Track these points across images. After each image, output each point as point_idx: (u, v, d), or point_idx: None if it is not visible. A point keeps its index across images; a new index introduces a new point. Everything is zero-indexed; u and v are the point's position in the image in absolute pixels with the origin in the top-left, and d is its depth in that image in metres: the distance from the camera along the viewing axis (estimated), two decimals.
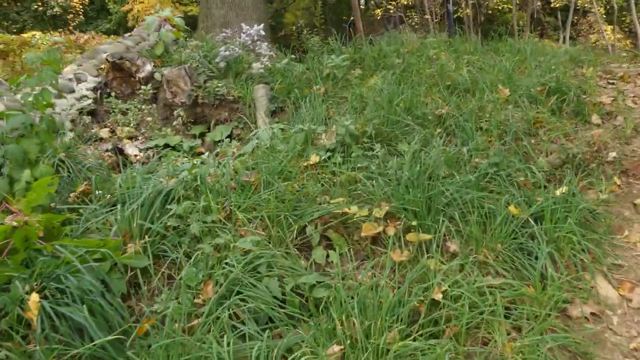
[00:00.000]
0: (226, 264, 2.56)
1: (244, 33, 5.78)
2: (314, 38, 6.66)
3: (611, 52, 22.58)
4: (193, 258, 2.67)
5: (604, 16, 25.79)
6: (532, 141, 3.98)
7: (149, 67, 5.42)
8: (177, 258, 2.76)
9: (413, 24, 21.61)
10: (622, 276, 2.79)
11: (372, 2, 22.77)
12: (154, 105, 5.36)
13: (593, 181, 3.43)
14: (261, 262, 2.55)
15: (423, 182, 3.14)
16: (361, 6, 27.71)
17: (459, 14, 21.68)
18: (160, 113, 5.29)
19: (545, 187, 3.29)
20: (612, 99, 4.77)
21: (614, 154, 3.62)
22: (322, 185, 3.44)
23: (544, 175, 3.49)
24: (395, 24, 23.10)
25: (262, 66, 5.26)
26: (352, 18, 19.09)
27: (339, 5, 26.09)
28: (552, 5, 24.19)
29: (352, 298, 2.30)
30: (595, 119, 4.21)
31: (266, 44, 5.84)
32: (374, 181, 3.27)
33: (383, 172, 3.39)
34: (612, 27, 24.69)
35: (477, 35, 22.42)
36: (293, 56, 7.00)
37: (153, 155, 4.62)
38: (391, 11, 20.43)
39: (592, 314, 2.52)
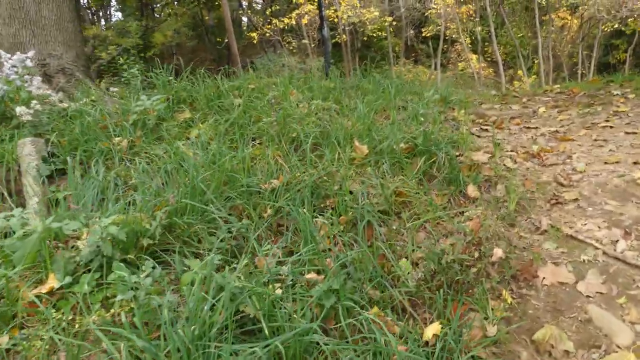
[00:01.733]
0: None
1: (7, 62, 4.02)
2: (133, 69, 5.05)
3: (477, 79, 23.48)
4: None
5: (470, 46, 27.00)
6: (394, 228, 2.78)
7: None
8: None
9: (291, 48, 20.69)
10: None
11: (251, 24, 21.52)
12: None
13: (477, 301, 2.28)
14: None
15: (207, 346, 1.74)
16: (243, 27, 26.33)
17: (336, 39, 21.17)
18: None
19: (412, 316, 2.07)
20: (488, 155, 3.78)
21: (500, 252, 2.51)
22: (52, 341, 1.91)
23: (408, 296, 2.27)
24: (275, 47, 22.06)
25: (31, 111, 3.57)
26: (226, 40, 17.63)
27: (217, 27, 24.56)
28: (424, 35, 24.72)
29: None
30: (471, 190, 3.13)
31: (39, 79, 4.13)
32: (122, 346, 1.80)
33: (147, 318, 1.95)
34: (476, 56, 25.85)
35: (355, 60, 22.09)
36: (114, 90, 5.38)
37: None
38: (267, 35, 19.32)
39: None
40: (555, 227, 2.84)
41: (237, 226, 2.56)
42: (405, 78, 23.11)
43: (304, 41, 19.61)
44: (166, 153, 3.56)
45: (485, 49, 27.68)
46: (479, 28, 25.38)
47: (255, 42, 19.55)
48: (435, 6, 21.01)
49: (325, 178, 3.18)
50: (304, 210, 2.62)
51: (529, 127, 4.71)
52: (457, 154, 3.69)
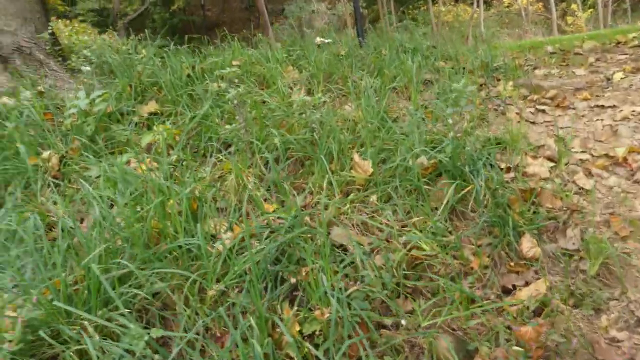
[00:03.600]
0: None
1: None
2: (86, 49, 3.92)
3: (524, 17, 20.99)
4: None
5: None
6: (402, 326, 1.70)
7: None
8: None
9: None
10: None
11: None
12: None
13: None
14: None
15: None
16: None
17: None
18: None
19: None
20: (550, 165, 2.56)
21: None
22: None
23: None
24: None
25: None
26: None
27: None
28: None
29: None
30: (527, 246, 1.96)
31: None
32: None
33: None
34: None
35: (390, 1, 20.12)
36: (86, 70, 4.38)
37: None
38: None
39: None
40: None
41: (136, 348, 1.53)
42: (445, 20, 20.88)
43: None
44: (99, 178, 2.55)
45: None
46: None
47: None
48: None
49: (305, 222, 2.10)
50: (254, 307, 1.56)
51: (603, 106, 3.37)
52: (504, 166, 2.49)
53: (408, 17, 22.32)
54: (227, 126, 2.54)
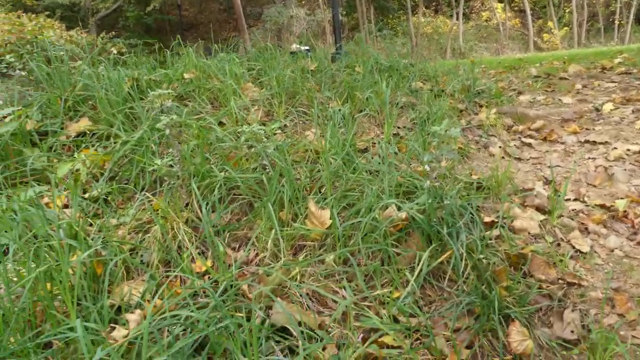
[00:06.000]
0: None
1: None
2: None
3: (502, 32, 20.96)
4: None
5: None
6: None
7: None
8: None
9: None
10: None
11: None
12: None
13: None
14: None
15: None
16: None
17: None
18: None
19: None
20: (541, 217, 2.16)
21: None
22: None
23: None
24: None
25: None
26: None
27: None
28: None
29: None
30: (516, 338, 1.53)
31: None
32: None
33: None
34: (502, 4, 23.10)
35: (370, 10, 19.82)
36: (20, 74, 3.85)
37: None
38: None
39: None
40: None
41: None
42: (424, 31, 20.72)
43: None
44: None
45: None
46: None
47: None
48: None
49: (242, 292, 1.64)
50: None
51: (594, 142, 3.00)
52: (488, 219, 2.07)
53: (388, 27, 22.06)
54: (157, 161, 2.05)
